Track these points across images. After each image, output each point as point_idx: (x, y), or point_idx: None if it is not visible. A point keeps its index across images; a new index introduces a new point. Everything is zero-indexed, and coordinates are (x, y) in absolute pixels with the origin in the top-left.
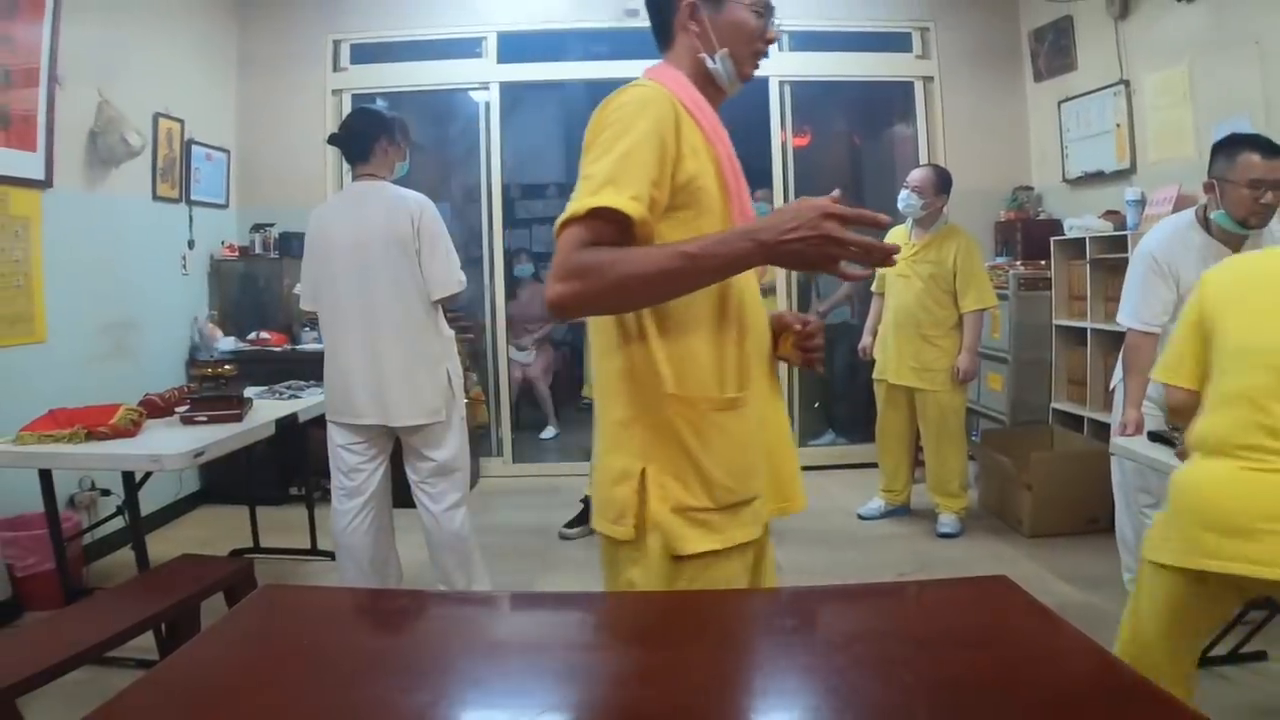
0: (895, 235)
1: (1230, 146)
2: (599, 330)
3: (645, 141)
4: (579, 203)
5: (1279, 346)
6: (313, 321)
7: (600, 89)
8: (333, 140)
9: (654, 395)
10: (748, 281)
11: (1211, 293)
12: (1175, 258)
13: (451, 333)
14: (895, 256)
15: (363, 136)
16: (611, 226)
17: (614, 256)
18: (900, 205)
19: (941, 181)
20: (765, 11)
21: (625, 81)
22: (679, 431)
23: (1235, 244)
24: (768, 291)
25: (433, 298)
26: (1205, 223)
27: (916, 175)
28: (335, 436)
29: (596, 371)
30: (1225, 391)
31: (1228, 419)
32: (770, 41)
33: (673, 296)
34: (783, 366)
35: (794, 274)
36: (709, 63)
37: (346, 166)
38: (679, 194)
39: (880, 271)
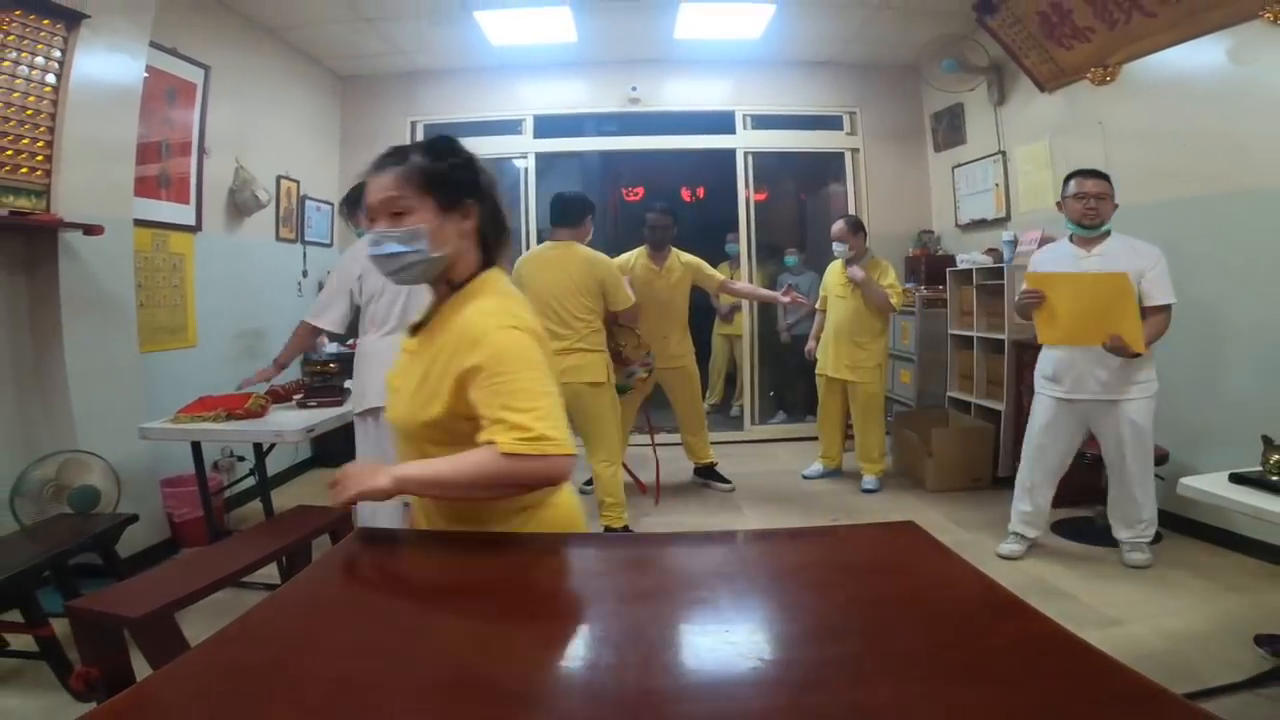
0: (834, 269)
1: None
2: None
3: None
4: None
5: None
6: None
7: (612, 157)
8: None
9: None
10: None
11: None
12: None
13: None
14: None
15: None
16: None
17: None
18: (835, 253)
19: (851, 226)
20: None
21: (631, 152)
22: None
23: (1084, 243)
24: (734, 312)
25: None
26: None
27: (835, 229)
28: (358, 426)
29: None
30: None
31: None
32: None
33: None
34: (756, 364)
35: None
36: None
37: None
38: None
39: (823, 293)
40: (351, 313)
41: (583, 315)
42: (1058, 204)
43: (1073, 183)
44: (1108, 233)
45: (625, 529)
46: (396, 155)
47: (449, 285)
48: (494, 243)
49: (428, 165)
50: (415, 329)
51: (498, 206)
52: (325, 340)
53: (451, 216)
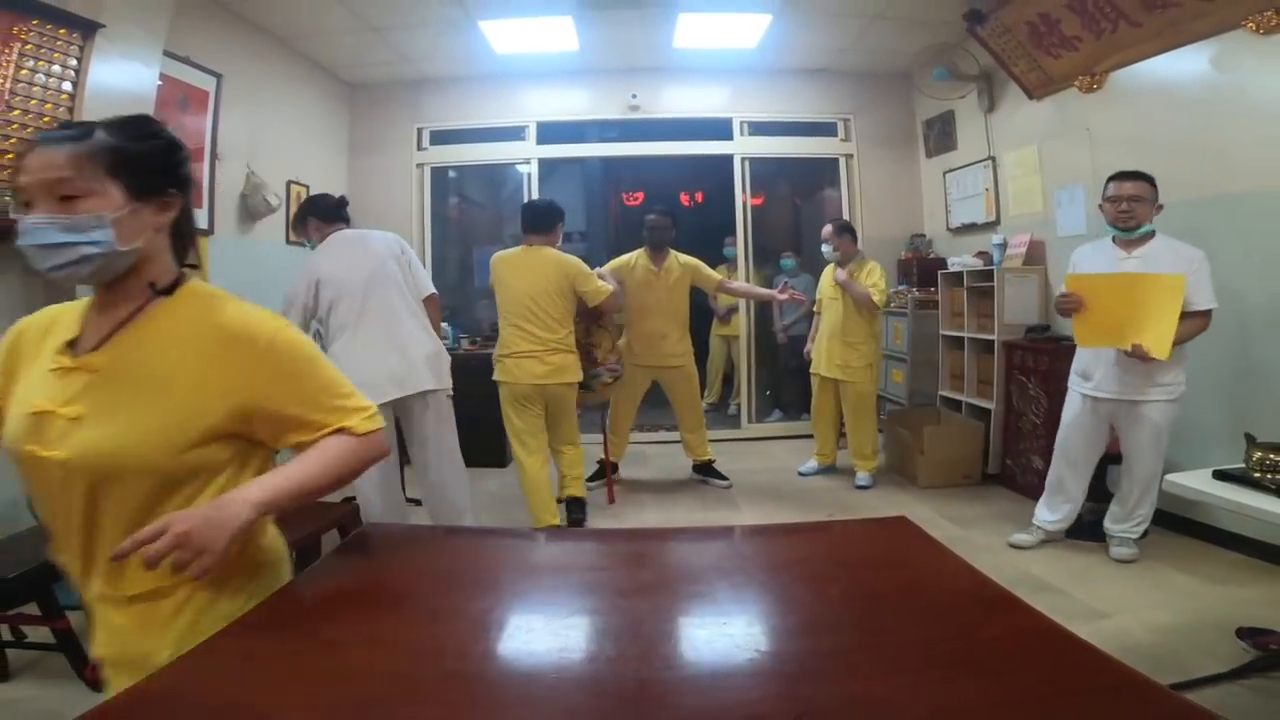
0: (827, 272)
1: (1107, 180)
2: None
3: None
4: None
5: None
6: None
7: (613, 163)
8: (338, 204)
9: None
10: None
11: None
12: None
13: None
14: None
15: (338, 207)
16: None
17: None
18: (824, 254)
19: (837, 229)
20: None
21: (631, 158)
22: None
23: (1124, 245)
24: (731, 314)
25: (422, 295)
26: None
27: (823, 232)
28: None
29: None
30: None
31: None
32: None
33: None
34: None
35: (753, 300)
36: None
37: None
38: None
39: (818, 296)
40: (306, 325)
41: (559, 316)
42: (1100, 205)
43: (1111, 185)
44: (1152, 234)
45: (581, 500)
46: (76, 130)
47: (152, 288)
48: (188, 243)
49: (121, 145)
50: (74, 342)
51: (191, 203)
52: None
53: (146, 207)
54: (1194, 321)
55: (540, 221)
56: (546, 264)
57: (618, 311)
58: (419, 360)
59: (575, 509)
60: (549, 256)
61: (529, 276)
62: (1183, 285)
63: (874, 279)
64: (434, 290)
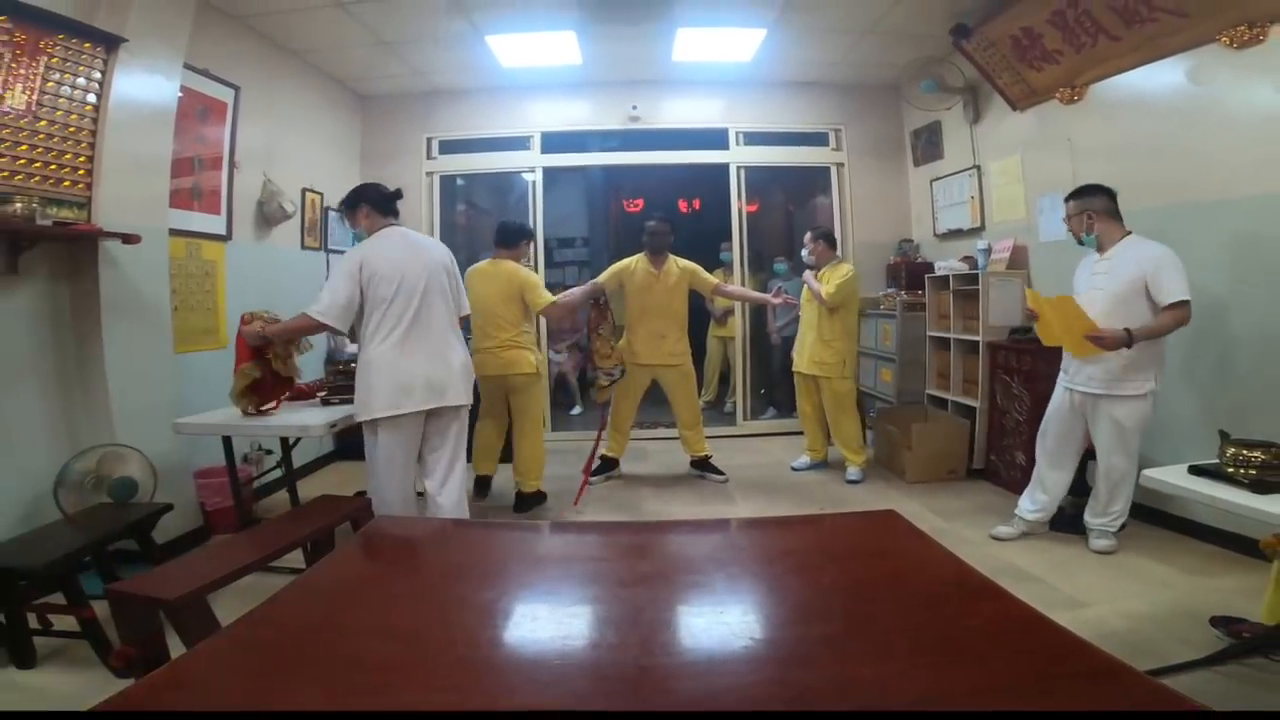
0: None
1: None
2: None
3: None
4: None
5: None
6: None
7: (614, 171)
8: (392, 197)
9: None
10: None
11: None
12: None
13: None
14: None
15: (392, 199)
16: None
17: None
18: (803, 257)
19: (814, 235)
20: None
21: (631, 166)
22: None
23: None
24: (727, 316)
25: (461, 313)
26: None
27: (806, 237)
28: (367, 433)
29: None
30: None
31: None
32: None
33: None
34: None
35: (748, 303)
36: None
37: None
38: None
39: (802, 299)
40: (348, 316)
41: (512, 319)
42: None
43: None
44: (1126, 235)
45: (539, 493)
46: None
47: None
48: None
49: None
50: None
51: None
52: (348, 341)
53: None
54: (1168, 314)
55: (508, 239)
56: (505, 275)
57: (561, 326)
58: (457, 372)
59: (532, 501)
60: (508, 269)
61: (490, 285)
62: (1070, 301)
63: (833, 277)
64: (469, 311)
